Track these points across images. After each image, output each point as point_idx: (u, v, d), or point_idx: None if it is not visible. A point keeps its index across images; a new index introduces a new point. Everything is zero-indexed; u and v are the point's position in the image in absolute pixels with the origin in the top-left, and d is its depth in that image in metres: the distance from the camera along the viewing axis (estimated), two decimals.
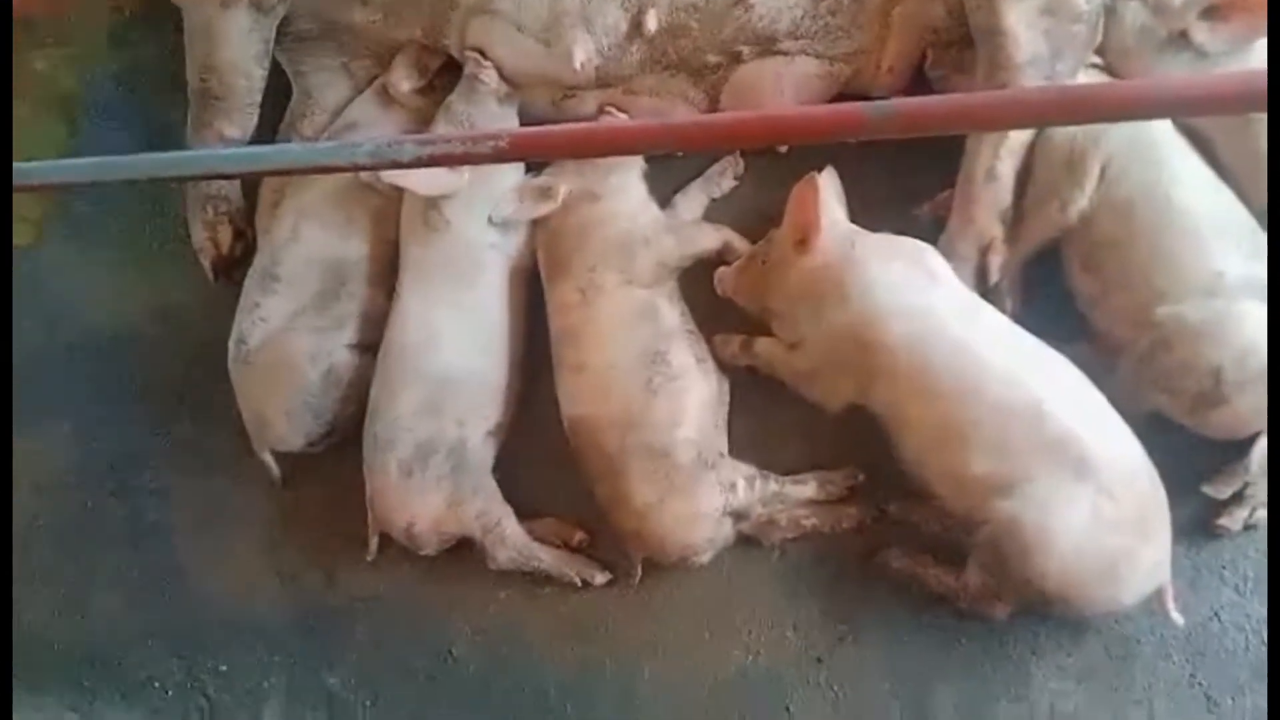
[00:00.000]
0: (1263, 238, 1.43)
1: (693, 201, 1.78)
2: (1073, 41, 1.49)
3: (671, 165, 1.83)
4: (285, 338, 1.74)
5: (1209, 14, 1.43)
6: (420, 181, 1.69)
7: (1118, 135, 1.48)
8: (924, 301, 1.46)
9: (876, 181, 1.69)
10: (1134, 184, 1.46)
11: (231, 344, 1.78)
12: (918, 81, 1.72)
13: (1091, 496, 1.34)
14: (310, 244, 1.79)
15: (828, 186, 1.62)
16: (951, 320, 1.45)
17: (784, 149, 1.79)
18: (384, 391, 1.68)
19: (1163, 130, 1.48)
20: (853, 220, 1.63)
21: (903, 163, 1.67)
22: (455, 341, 1.67)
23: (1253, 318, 1.37)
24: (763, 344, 1.63)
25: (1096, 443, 1.37)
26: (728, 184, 1.80)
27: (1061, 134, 1.52)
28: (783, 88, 1.71)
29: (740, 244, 1.71)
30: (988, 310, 1.49)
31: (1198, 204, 1.43)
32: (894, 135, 1.32)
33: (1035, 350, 1.45)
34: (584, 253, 1.67)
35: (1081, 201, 1.49)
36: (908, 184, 1.69)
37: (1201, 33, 1.44)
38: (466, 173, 1.69)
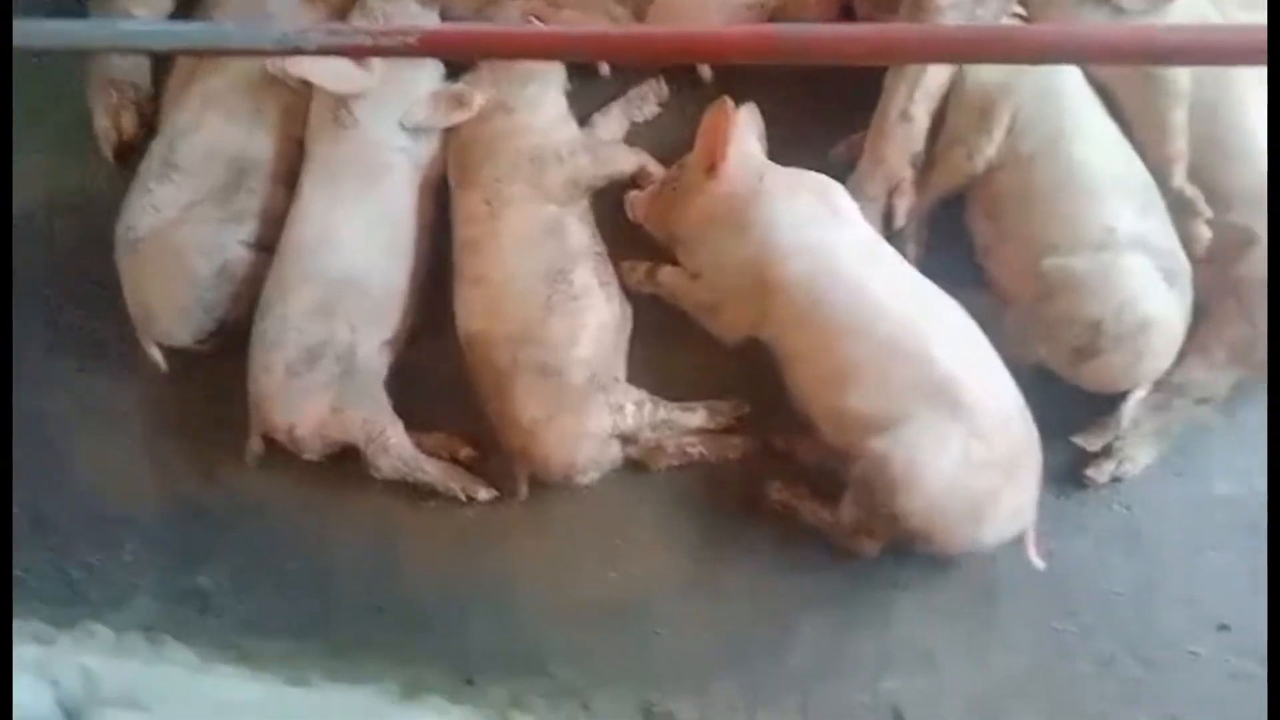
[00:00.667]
0: (1156, 194, 1.45)
1: (612, 122, 1.75)
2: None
3: (595, 87, 1.81)
4: (177, 229, 1.68)
5: None
6: (328, 76, 1.64)
7: (1028, 88, 1.49)
8: (825, 238, 1.47)
9: (799, 121, 1.69)
10: (1039, 137, 1.47)
11: (119, 229, 1.72)
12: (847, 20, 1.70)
13: (963, 438, 1.36)
14: (213, 134, 1.72)
15: (746, 121, 1.62)
16: (850, 259, 1.46)
17: (707, 77, 1.79)
18: (276, 290, 1.64)
19: (1073, 85, 1.50)
20: (773, 159, 1.63)
21: (827, 104, 1.66)
22: (355, 244, 1.63)
23: (1137, 273, 1.39)
24: (666, 272, 1.62)
25: (975, 387, 1.38)
26: (650, 109, 1.78)
27: (974, 82, 1.53)
28: (709, 13, 1.69)
29: (656, 169, 1.70)
30: (888, 252, 1.50)
31: (1097, 160, 1.44)
32: (803, 60, 1.34)
33: (928, 294, 1.46)
34: (494, 164, 1.64)
35: (988, 150, 1.50)
36: (830, 125, 1.68)
37: None
38: (377, 72, 1.65)
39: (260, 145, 1.72)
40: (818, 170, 1.59)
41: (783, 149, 1.65)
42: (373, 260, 1.64)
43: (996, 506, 1.38)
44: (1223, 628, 1.43)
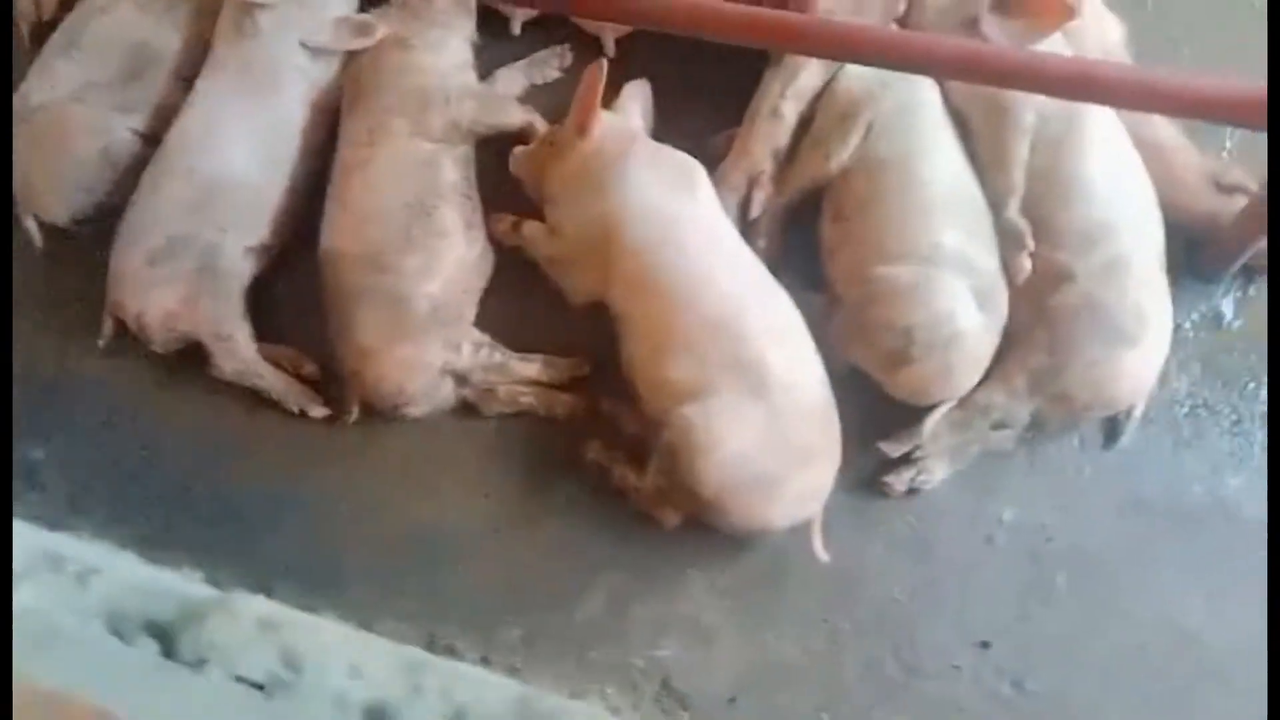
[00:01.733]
0: (987, 220, 1.51)
1: (512, 79, 1.80)
2: (874, 3, 1.55)
3: (504, 46, 1.86)
4: (69, 107, 1.72)
5: (999, 8, 1.51)
6: None
7: (888, 102, 1.56)
8: (674, 211, 1.52)
9: (691, 107, 1.73)
10: (890, 149, 1.53)
11: (16, 100, 1.75)
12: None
13: (763, 417, 1.41)
14: (123, 20, 1.77)
15: (633, 93, 1.69)
16: (693, 235, 1.51)
17: (609, 53, 1.84)
18: (151, 180, 1.67)
19: (929, 107, 1.56)
20: (659, 137, 1.67)
21: (721, 95, 1.71)
22: (236, 148, 1.67)
23: (953, 290, 1.45)
24: (530, 226, 1.67)
25: (784, 372, 1.43)
26: (551, 72, 1.83)
27: (843, 89, 1.59)
28: None
29: (543, 127, 1.74)
30: (731, 236, 1.55)
31: (938, 179, 1.51)
32: (670, 28, 1.40)
33: (760, 281, 1.51)
34: (382, 94, 1.69)
35: (843, 155, 1.56)
36: (719, 115, 1.71)
37: (989, 24, 1.51)
38: None
39: (166, 38, 1.77)
40: (697, 155, 1.64)
41: (670, 131, 1.70)
42: (251, 167, 1.67)
43: (785, 488, 1.42)
44: (985, 645, 1.46)
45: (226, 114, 1.67)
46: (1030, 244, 1.47)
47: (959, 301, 1.45)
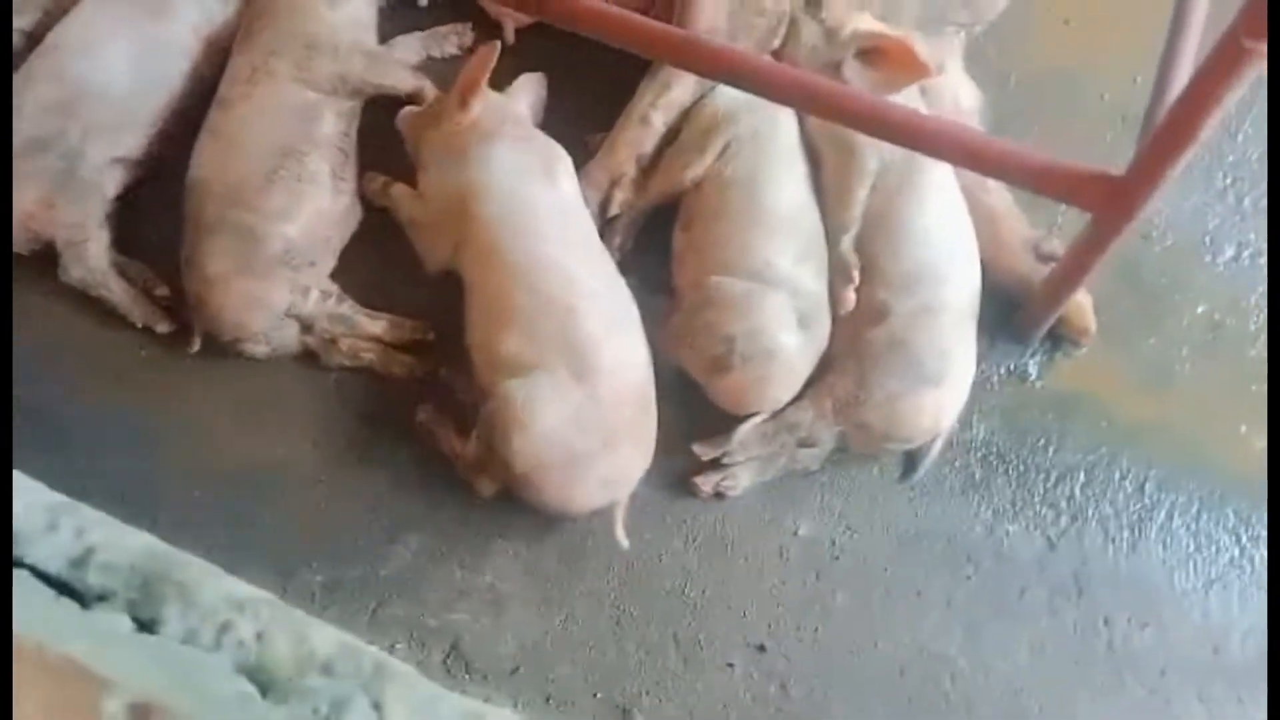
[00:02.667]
0: (821, 248, 1.60)
1: (409, 47, 1.85)
2: (751, 32, 1.65)
3: (413, 19, 1.90)
4: None
5: (863, 55, 1.61)
6: None
7: (746, 125, 1.65)
8: (529, 191, 1.58)
9: (579, 106, 1.79)
10: (741, 169, 1.63)
11: None
12: None
13: (580, 398, 1.47)
14: None
15: (527, 83, 1.76)
16: (543, 217, 1.57)
17: (509, 40, 1.90)
18: (24, 78, 1.68)
19: (784, 135, 1.65)
20: (545, 128, 1.74)
21: (617, 98, 1.78)
22: (114, 60, 1.69)
23: (778, 308, 1.54)
24: (398, 188, 1.71)
25: (608, 358, 1.50)
26: (449, 48, 1.88)
27: (708, 107, 1.69)
28: None
29: (432, 94, 1.78)
30: (583, 226, 1.62)
31: (781, 204, 1.60)
32: (557, 21, 1.47)
33: (603, 273, 1.58)
34: (271, 35, 1.72)
35: (698, 169, 1.65)
36: (606, 115, 1.78)
37: (851, 69, 1.61)
38: None
39: None
40: (577, 149, 1.71)
41: (556, 123, 1.76)
42: (127, 81, 1.69)
43: (592, 470, 1.49)
44: (760, 648, 1.53)
45: (110, 25, 1.69)
46: (856, 278, 1.57)
47: (781, 319, 1.54)
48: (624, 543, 1.54)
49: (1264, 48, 0.98)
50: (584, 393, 1.48)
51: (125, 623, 0.63)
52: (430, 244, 1.65)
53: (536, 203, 1.58)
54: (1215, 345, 1.73)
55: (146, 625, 0.75)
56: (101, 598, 0.69)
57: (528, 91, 1.76)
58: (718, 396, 1.59)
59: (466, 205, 1.59)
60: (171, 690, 0.58)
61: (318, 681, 0.61)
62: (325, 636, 0.65)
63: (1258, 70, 1.01)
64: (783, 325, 1.54)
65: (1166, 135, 1.15)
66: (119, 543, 0.70)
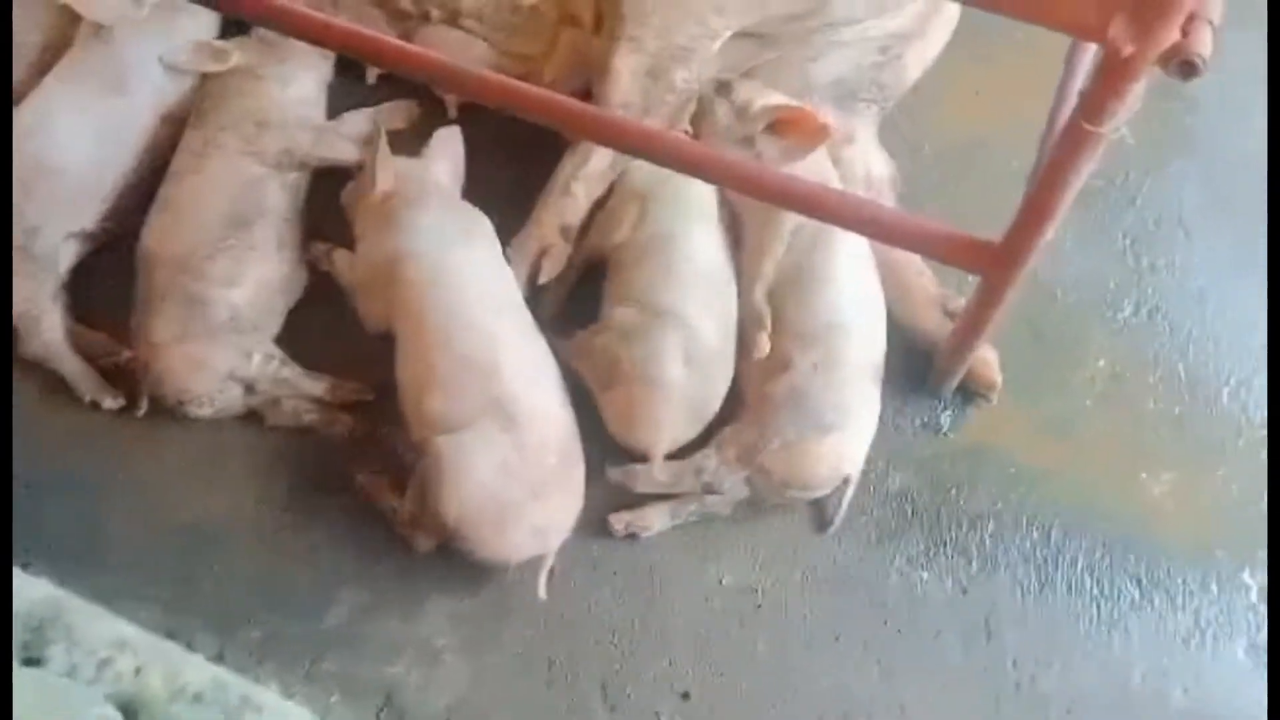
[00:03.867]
0: (728, 301, 1.70)
1: (356, 122, 1.94)
2: (663, 108, 1.75)
3: (360, 91, 2.01)
4: None
5: (772, 128, 1.71)
6: (90, 1, 1.78)
7: (662, 193, 1.76)
8: (450, 255, 1.68)
9: (509, 175, 1.89)
10: (656, 229, 1.74)
11: None
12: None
13: (506, 449, 1.55)
14: None
15: (441, 141, 1.84)
16: (462, 278, 1.67)
17: (452, 114, 2.00)
18: None
19: (700, 200, 1.76)
20: (472, 195, 1.84)
21: (540, 167, 1.88)
22: (71, 140, 1.77)
23: (666, 342, 1.63)
24: (340, 254, 1.80)
25: (531, 409, 1.58)
26: (396, 122, 1.97)
27: (628, 178, 1.80)
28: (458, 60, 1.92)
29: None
30: (501, 285, 1.70)
31: (692, 258, 1.70)
32: (469, 96, 1.56)
33: (523, 330, 1.67)
34: (222, 112, 1.82)
35: (620, 233, 1.76)
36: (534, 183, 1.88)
37: (764, 142, 1.71)
38: (146, 8, 1.81)
39: (31, 29, 1.86)
40: (512, 217, 1.81)
41: (494, 193, 1.85)
42: (85, 158, 1.78)
43: (519, 518, 1.55)
44: (685, 696, 1.59)
45: (68, 106, 1.78)
46: (768, 325, 1.66)
47: (670, 353, 1.63)
48: (543, 595, 1.60)
49: (1104, 131, 1.09)
50: (509, 444, 1.56)
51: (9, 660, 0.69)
52: (366, 307, 1.74)
53: (456, 266, 1.67)
54: (1116, 397, 1.83)
55: (33, 662, 0.80)
56: None
57: (443, 150, 1.85)
58: (606, 412, 1.67)
59: (393, 270, 1.68)
60: (37, 714, 0.64)
61: (184, 710, 0.67)
62: (199, 671, 0.71)
63: (1098, 150, 1.12)
64: (671, 359, 1.63)
65: (1032, 207, 1.26)
66: (20, 593, 0.76)
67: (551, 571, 1.62)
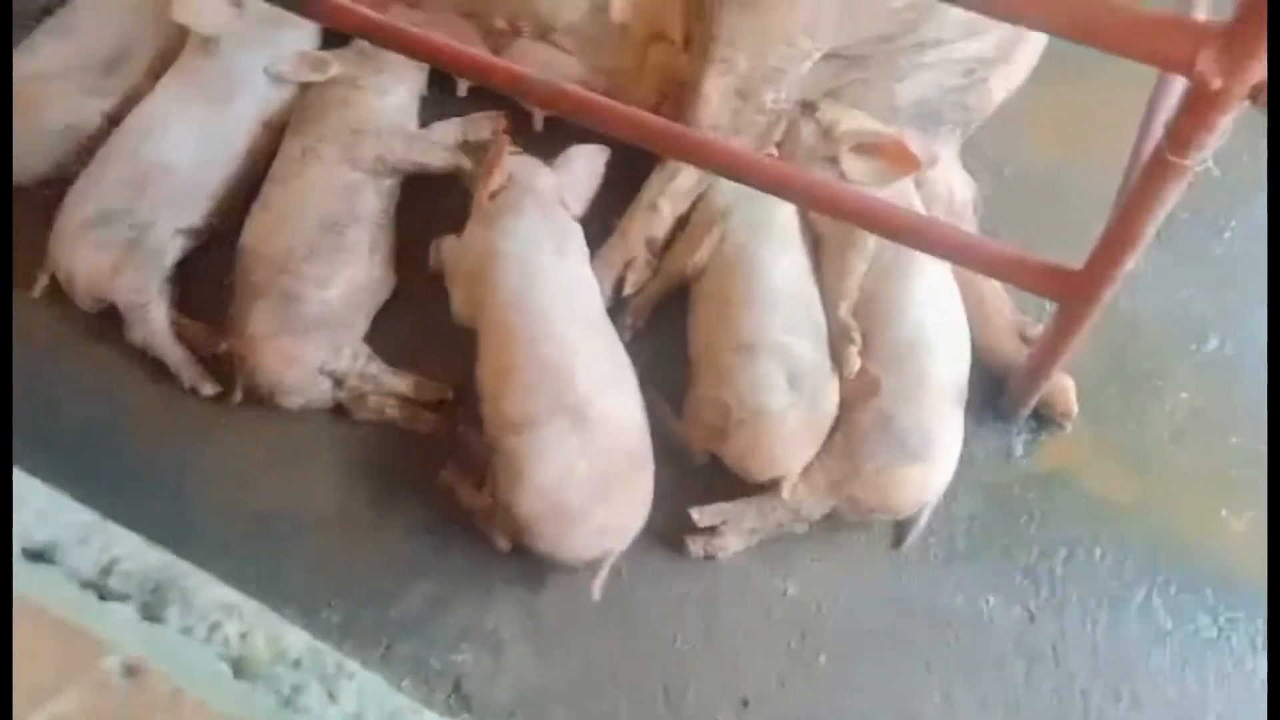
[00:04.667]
0: (816, 320, 1.71)
1: (446, 131, 2.02)
2: (751, 128, 1.79)
3: (454, 106, 2.08)
4: (49, 82, 1.94)
5: (858, 150, 1.74)
6: (192, 14, 1.90)
7: (744, 216, 1.79)
8: (538, 260, 1.73)
9: (611, 196, 1.95)
10: (739, 253, 1.76)
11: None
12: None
13: (576, 451, 1.59)
14: (116, 15, 2.00)
15: (576, 154, 1.90)
16: (548, 287, 1.72)
17: (538, 127, 2.06)
18: (102, 157, 1.89)
19: (782, 221, 1.78)
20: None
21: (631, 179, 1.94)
22: (181, 142, 1.89)
23: (768, 375, 1.64)
24: (448, 242, 1.88)
25: (603, 416, 1.62)
26: (484, 132, 2.04)
27: (710, 198, 1.84)
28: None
29: (471, 169, 1.94)
30: (585, 295, 1.75)
31: (774, 282, 1.72)
32: (555, 111, 1.62)
33: (601, 338, 1.71)
34: (322, 122, 1.91)
35: (698, 257, 1.79)
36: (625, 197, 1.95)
37: (849, 162, 1.74)
38: (246, 18, 1.93)
39: (148, 39, 1.99)
40: (604, 228, 1.89)
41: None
42: (193, 160, 1.88)
43: (586, 521, 1.59)
44: (745, 703, 1.61)
45: (178, 112, 1.90)
46: (857, 340, 1.68)
47: (768, 381, 1.65)
48: (596, 595, 1.63)
49: (1189, 164, 1.09)
50: (578, 446, 1.60)
51: (132, 612, 0.76)
52: (456, 297, 1.81)
53: (544, 273, 1.73)
54: (1196, 431, 1.80)
55: (152, 620, 0.86)
56: (119, 598, 0.82)
57: (573, 164, 1.91)
58: (728, 462, 1.69)
59: (484, 267, 1.75)
60: (159, 658, 0.70)
61: (284, 671, 0.72)
62: (298, 638, 0.77)
63: (1183, 183, 1.12)
64: (770, 388, 1.65)
65: (1114, 237, 1.26)
66: (139, 556, 0.83)
67: (617, 572, 1.66)
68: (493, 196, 1.79)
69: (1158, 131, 1.24)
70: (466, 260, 1.79)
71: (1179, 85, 1.30)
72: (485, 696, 1.64)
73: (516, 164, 1.84)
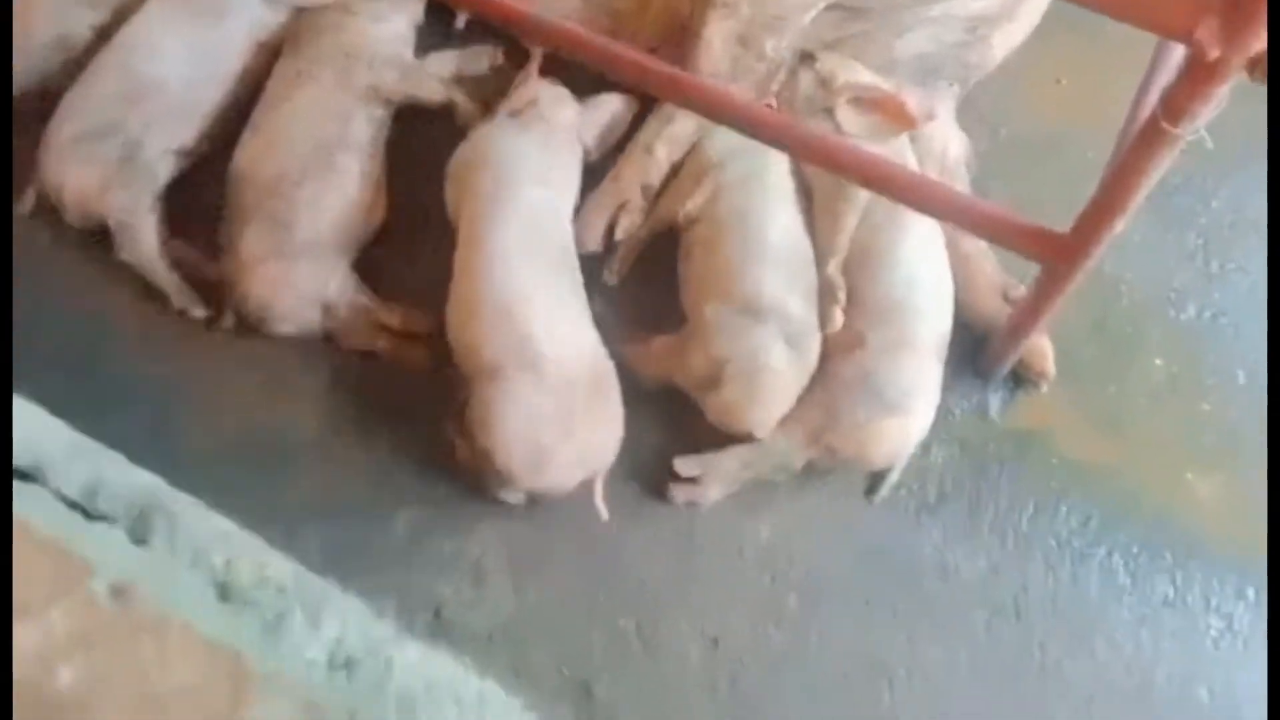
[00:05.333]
0: (809, 275, 1.72)
1: (442, 63, 2.01)
2: (750, 75, 1.78)
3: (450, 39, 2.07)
4: None
5: (855, 103, 1.74)
6: None
7: (739, 167, 1.78)
8: (520, 187, 1.73)
9: None
10: (731, 206, 1.76)
11: None
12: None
13: (538, 393, 1.60)
14: None
15: (604, 103, 1.88)
16: (519, 213, 1.71)
17: (536, 65, 2.03)
18: (93, 71, 1.86)
19: (776, 175, 1.78)
20: None
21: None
22: (174, 57, 1.86)
23: (765, 333, 1.65)
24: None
25: (555, 349, 1.62)
26: (480, 66, 2.03)
27: (704, 148, 1.83)
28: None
29: (464, 104, 1.95)
30: (558, 234, 1.74)
31: (769, 235, 1.72)
32: (554, 48, 1.61)
33: (566, 280, 1.71)
34: (316, 45, 1.89)
35: (690, 206, 1.79)
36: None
37: (845, 115, 1.73)
38: None
39: None
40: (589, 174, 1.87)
41: None
42: (185, 77, 1.86)
43: (555, 458, 1.61)
44: (715, 642, 1.65)
45: (171, 26, 1.86)
46: (843, 298, 1.69)
47: (769, 342, 1.66)
48: (603, 514, 1.66)
49: (1182, 133, 1.10)
50: (539, 386, 1.61)
51: (120, 535, 0.77)
52: (448, 197, 1.81)
53: (519, 197, 1.72)
54: (1170, 396, 1.84)
55: (138, 544, 0.87)
56: (105, 520, 0.83)
57: (602, 107, 1.89)
58: (709, 412, 1.71)
59: (468, 171, 1.77)
60: (146, 581, 0.72)
61: (269, 597, 0.75)
62: (283, 566, 0.79)
63: (1175, 151, 1.13)
64: (771, 349, 1.66)
65: (1102, 202, 1.27)
66: (127, 479, 0.84)
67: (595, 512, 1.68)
68: (513, 114, 1.80)
69: (1154, 99, 1.25)
70: (457, 160, 1.81)
71: (1178, 53, 1.30)
72: (464, 625, 1.67)
73: (545, 91, 1.83)
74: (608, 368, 1.68)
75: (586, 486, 1.67)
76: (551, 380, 1.61)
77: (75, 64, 1.90)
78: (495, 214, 1.70)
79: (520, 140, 1.79)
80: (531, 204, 1.73)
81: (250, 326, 1.82)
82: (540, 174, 1.76)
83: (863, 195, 1.72)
